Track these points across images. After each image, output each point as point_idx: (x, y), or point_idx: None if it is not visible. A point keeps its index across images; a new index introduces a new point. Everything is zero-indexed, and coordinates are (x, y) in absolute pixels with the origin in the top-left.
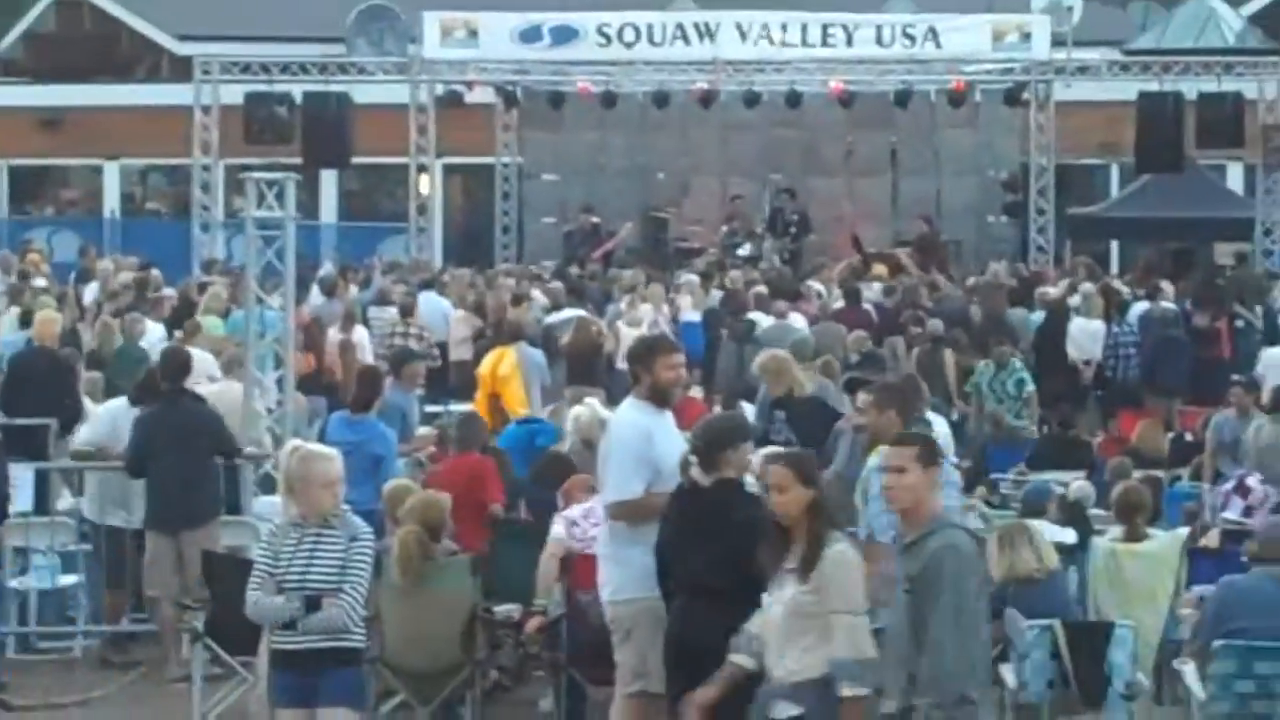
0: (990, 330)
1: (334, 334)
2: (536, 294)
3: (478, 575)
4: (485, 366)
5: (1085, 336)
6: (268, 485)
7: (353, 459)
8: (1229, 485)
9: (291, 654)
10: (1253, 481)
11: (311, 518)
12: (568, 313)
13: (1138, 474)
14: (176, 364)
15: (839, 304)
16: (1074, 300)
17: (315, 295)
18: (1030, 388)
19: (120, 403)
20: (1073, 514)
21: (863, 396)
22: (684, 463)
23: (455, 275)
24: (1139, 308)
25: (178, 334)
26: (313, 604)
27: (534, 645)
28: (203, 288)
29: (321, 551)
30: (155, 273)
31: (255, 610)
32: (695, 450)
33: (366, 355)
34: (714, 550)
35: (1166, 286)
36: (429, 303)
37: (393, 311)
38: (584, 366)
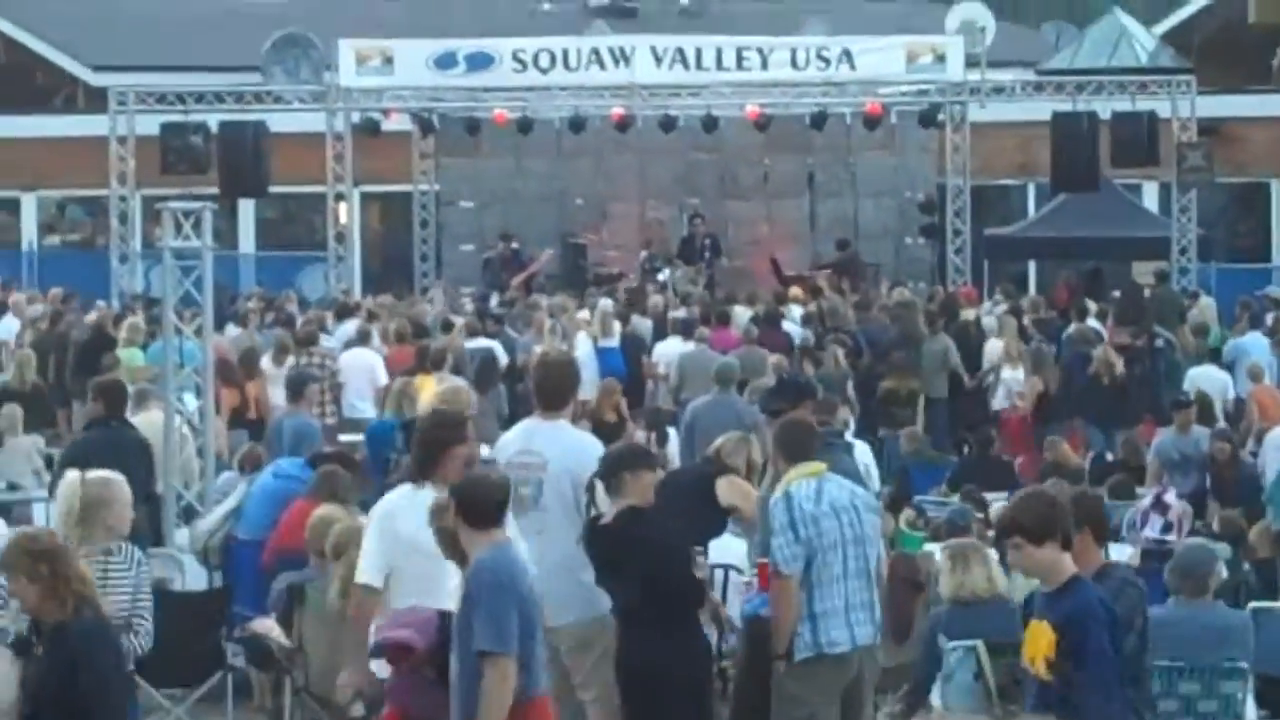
0: (903, 349)
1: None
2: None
3: None
4: None
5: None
6: (190, 516)
7: None
8: (1147, 502)
9: None
10: (1170, 498)
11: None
12: (481, 342)
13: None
14: None
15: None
16: (989, 322)
17: (230, 329)
18: None
19: None
20: None
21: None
22: (589, 487)
23: (380, 304)
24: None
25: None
26: None
27: None
28: (118, 320)
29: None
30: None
31: None
32: (600, 477)
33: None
34: (630, 576)
35: (1091, 305)
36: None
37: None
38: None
